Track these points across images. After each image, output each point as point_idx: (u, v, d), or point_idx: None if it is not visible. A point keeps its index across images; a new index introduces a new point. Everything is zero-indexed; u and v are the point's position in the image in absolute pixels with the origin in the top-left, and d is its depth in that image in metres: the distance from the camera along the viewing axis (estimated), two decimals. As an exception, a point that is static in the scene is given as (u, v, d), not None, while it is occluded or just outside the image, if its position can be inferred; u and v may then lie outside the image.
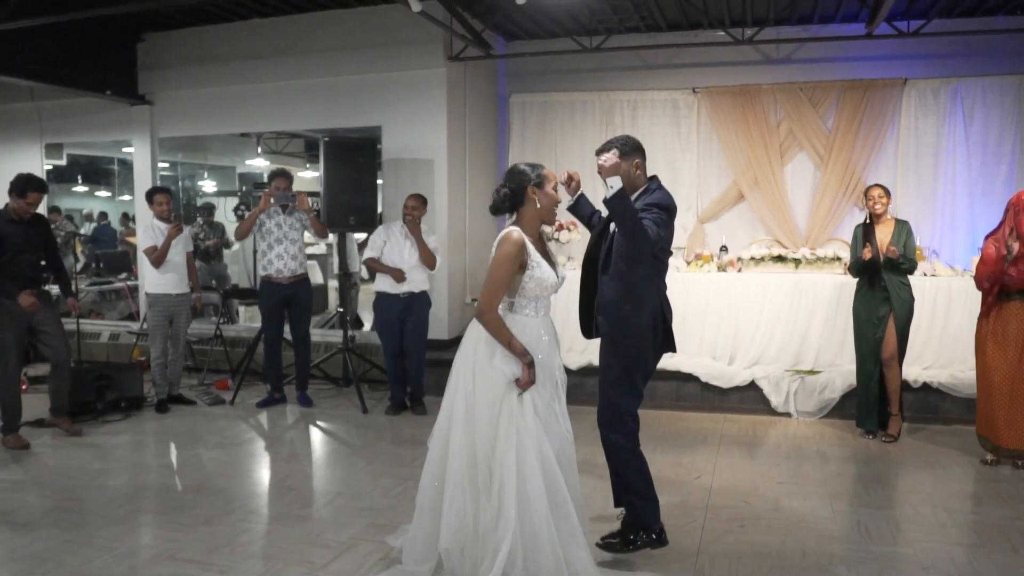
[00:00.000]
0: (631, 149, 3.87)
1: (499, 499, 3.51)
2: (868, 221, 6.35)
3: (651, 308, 3.89)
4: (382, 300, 7.13)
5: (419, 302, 7.12)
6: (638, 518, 4.01)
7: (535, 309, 3.70)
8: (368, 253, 7.10)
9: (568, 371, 6.75)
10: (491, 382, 3.59)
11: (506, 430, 3.54)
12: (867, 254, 6.11)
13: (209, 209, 10.78)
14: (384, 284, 7.09)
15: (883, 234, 6.23)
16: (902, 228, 6.20)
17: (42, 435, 6.46)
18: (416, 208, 7.00)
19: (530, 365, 3.58)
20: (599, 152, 3.84)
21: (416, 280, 7.06)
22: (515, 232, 3.61)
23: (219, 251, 10.45)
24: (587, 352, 7.41)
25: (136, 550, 4.26)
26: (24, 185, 6.11)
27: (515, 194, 3.70)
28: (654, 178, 3.96)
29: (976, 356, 5.67)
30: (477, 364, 3.63)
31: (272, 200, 7.07)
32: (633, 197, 3.82)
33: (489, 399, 3.58)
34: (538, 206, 3.70)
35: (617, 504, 4.14)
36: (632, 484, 3.98)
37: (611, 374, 3.96)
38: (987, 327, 5.56)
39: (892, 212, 6.52)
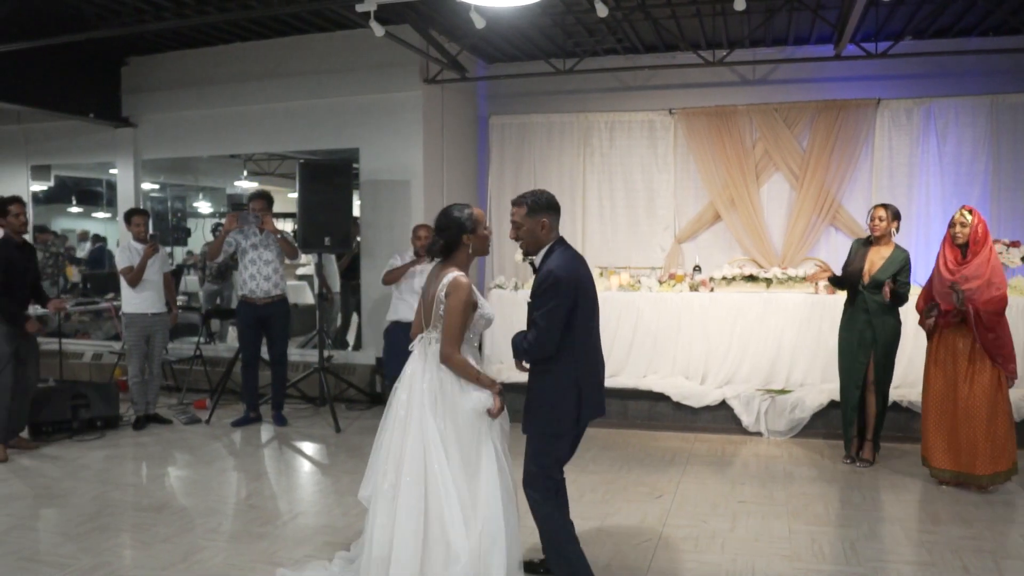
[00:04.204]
0: (541, 207, 3.75)
1: (486, 525, 3.61)
2: (868, 239, 6.10)
3: (567, 381, 3.73)
4: (398, 329, 7.11)
5: None
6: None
7: (472, 340, 3.86)
8: (385, 269, 7.18)
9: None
10: (468, 415, 3.68)
11: (488, 462, 3.67)
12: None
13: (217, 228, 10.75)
14: (400, 312, 7.12)
15: (877, 257, 5.94)
16: (896, 257, 5.87)
17: (11, 454, 6.48)
18: (429, 238, 7.05)
19: (500, 392, 3.74)
20: (513, 203, 3.83)
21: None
22: (463, 278, 3.72)
23: (228, 270, 10.39)
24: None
25: (93, 567, 4.29)
26: (1, 203, 6.39)
27: (451, 243, 3.80)
28: (559, 241, 3.81)
29: (923, 382, 5.70)
30: (447, 401, 3.70)
31: (237, 221, 7.13)
32: (538, 257, 3.80)
33: (469, 433, 3.68)
34: (470, 251, 3.83)
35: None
36: (552, 541, 3.84)
37: (530, 439, 3.86)
38: (931, 350, 5.60)
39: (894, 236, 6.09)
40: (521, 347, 3.74)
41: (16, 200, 6.44)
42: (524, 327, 3.87)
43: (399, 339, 7.05)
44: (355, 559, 4.03)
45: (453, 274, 3.72)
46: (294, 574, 4.18)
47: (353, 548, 4.21)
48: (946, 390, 5.45)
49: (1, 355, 6.30)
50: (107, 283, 11.11)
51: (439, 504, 3.60)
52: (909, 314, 6.14)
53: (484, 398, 3.70)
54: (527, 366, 3.89)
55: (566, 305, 3.61)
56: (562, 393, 3.71)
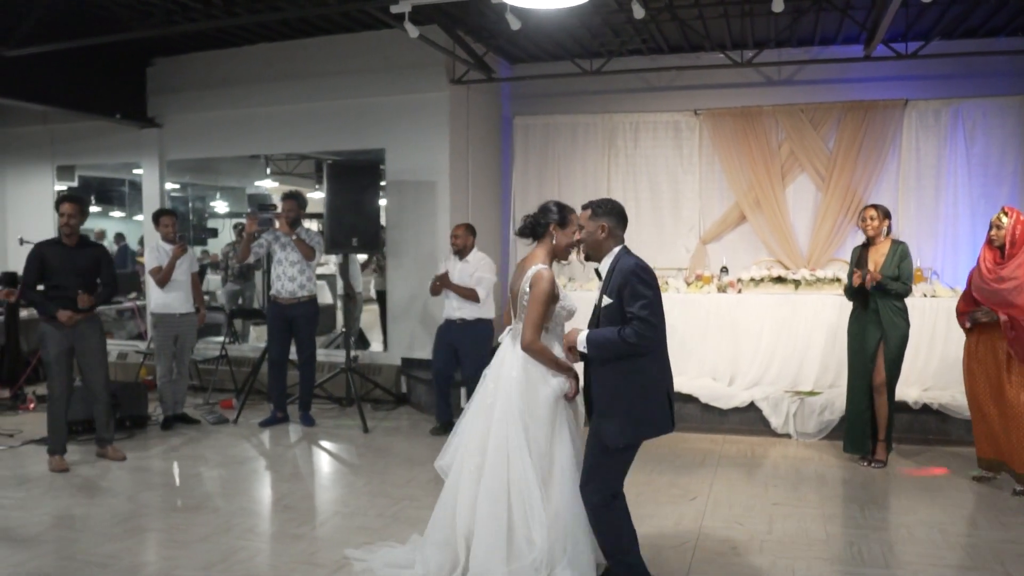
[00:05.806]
0: (603, 212, 3.75)
1: (559, 497, 3.84)
2: (865, 242, 6.20)
3: (659, 384, 3.69)
4: (447, 326, 7.15)
5: (475, 329, 6.96)
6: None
7: (556, 332, 4.02)
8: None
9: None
10: (547, 398, 3.90)
11: (560, 434, 3.91)
12: (856, 280, 5.94)
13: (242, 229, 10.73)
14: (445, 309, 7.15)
15: (877, 256, 6.04)
16: (896, 250, 5.98)
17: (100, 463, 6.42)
18: (458, 237, 7.04)
19: (575, 377, 3.97)
20: (582, 207, 3.87)
21: (458, 307, 7.01)
22: (546, 270, 3.91)
23: (250, 271, 10.40)
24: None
25: (134, 567, 4.32)
26: (56, 201, 6.26)
27: (537, 226, 4.02)
28: (625, 249, 3.77)
29: (964, 378, 5.69)
30: (531, 387, 3.88)
31: (257, 224, 7.15)
32: (604, 264, 3.76)
33: (545, 413, 3.89)
34: (554, 242, 4.01)
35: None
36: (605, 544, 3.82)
37: (597, 443, 3.74)
38: (970, 348, 5.59)
39: (892, 233, 6.26)
40: (615, 339, 3.55)
41: (69, 199, 6.15)
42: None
43: (443, 334, 7.12)
44: (431, 541, 4.06)
45: (537, 267, 3.91)
46: (363, 554, 4.29)
47: (428, 531, 4.16)
48: (988, 388, 5.43)
49: (47, 359, 6.13)
50: (128, 283, 11.16)
51: (520, 490, 3.78)
52: (915, 315, 6.22)
53: (562, 383, 3.92)
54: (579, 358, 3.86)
55: (660, 298, 3.63)
56: (655, 397, 3.66)
